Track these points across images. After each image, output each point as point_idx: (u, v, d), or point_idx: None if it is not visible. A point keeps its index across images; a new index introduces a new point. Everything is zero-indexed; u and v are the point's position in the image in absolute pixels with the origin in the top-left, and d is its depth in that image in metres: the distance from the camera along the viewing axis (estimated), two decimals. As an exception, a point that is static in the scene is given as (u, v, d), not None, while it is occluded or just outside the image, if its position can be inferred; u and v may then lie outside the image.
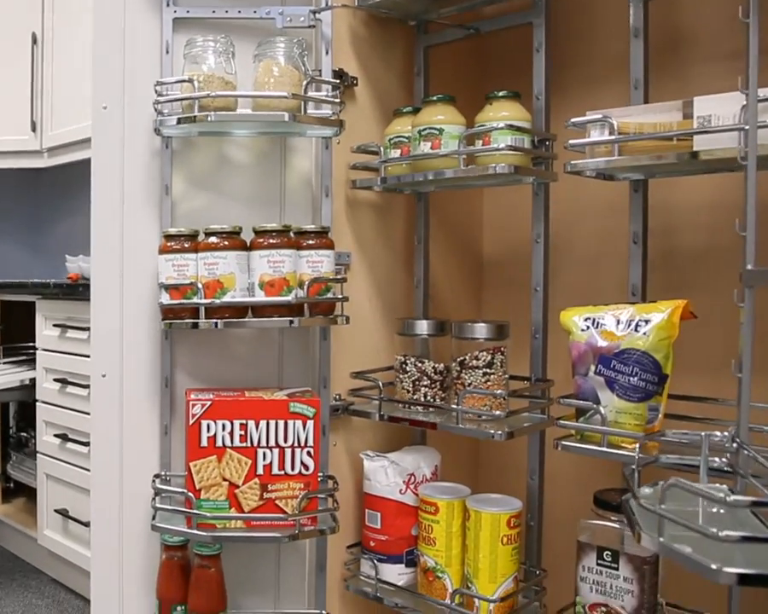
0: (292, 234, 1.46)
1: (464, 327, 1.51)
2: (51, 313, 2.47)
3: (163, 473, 1.55)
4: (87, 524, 2.17)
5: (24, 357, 2.68)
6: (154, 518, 1.46)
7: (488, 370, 1.48)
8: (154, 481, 1.51)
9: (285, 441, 1.43)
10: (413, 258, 1.79)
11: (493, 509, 1.47)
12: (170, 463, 1.56)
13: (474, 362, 1.48)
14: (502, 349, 1.50)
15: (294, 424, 1.43)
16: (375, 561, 1.59)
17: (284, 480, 1.43)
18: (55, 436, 2.40)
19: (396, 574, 1.59)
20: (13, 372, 2.60)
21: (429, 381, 1.55)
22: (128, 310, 1.55)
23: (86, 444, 2.20)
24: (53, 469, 2.45)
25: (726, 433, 1.08)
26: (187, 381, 1.57)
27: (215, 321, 1.42)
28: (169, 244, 1.45)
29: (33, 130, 2.93)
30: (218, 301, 1.42)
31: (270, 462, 1.43)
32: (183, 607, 1.49)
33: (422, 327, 1.58)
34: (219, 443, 1.42)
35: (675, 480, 0.88)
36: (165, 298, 1.44)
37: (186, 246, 1.45)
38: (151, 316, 1.54)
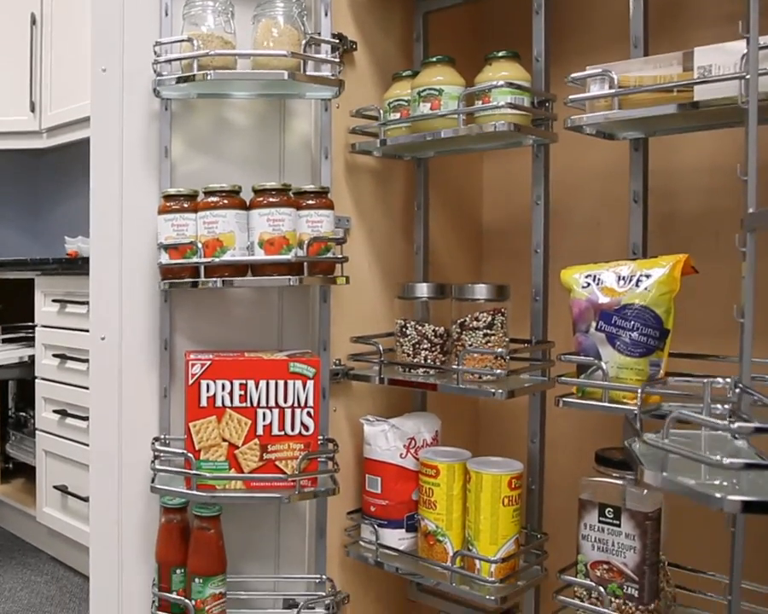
0: (291, 194, 1.46)
1: (464, 288, 1.50)
2: (50, 289, 2.47)
3: (162, 436, 1.54)
4: (86, 500, 2.17)
5: (23, 335, 2.67)
6: (153, 480, 1.45)
7: (489, 331, 1.47)
8: (153, 444, 1.51)
9: (285, 401, 1.42)
10: (413, 225, 1.78)
11: (494, 470, 1.46)
12: (169, 427, 1.55)
13: (475, 323, 1.47)
14: (502, 310, 1.49)
15: (294, 384, 1.42)
16: (376, 526, 1.58)
17: (284, 441, 1.43)
18: (55, 412, 2.40)
19: (396, 539, 1.58)
20: (11, 349, 2.60)
21: (429, 345, 1.55)
22: (127, 272, 1.54)
23: (85, 419, 2.20)
24: (52, 445, 2.44)
25: (729, 379, 1.08)
26: (186, 344, 1.56)
27: (215, 279, 1.42)
28: (168, 204, 1.45)
29: (32, 110, 2.93)
30: (217, 260, 1.41)
31: (270, 422, 1.42)
32: (183, 570, 1.48)
33: (422, 289, 1.57)
34: (219, 403, 1.41)
35: (678, 412, 0.88)
36: (165, 258, 1.44)
37: (185, 205, 1.44)
38: (151, 278, 1.53)
